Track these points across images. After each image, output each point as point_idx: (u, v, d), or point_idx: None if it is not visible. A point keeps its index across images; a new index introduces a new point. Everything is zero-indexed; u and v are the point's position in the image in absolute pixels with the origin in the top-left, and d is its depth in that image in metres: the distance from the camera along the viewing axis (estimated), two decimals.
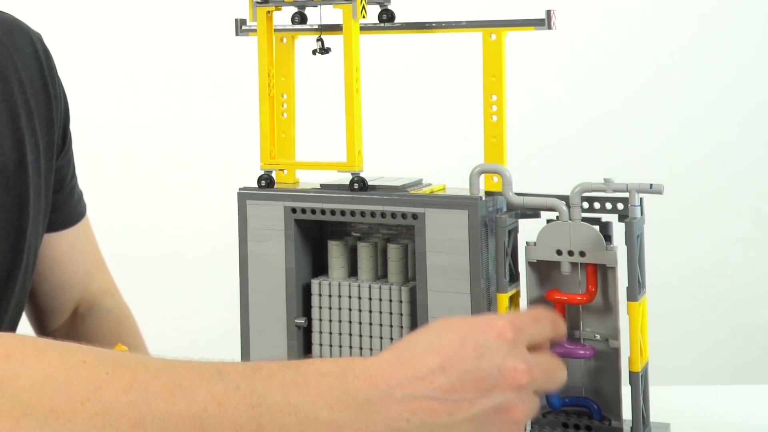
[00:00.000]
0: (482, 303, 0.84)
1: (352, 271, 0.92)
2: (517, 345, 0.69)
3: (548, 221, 0.85)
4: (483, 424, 0.66)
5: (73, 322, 1.17)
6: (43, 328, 1.18)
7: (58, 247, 1.15)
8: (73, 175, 1.16)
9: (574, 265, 0.85)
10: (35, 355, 0.62)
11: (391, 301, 0.88)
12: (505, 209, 0.87)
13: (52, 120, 1.08)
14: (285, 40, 0.94)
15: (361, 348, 0.89)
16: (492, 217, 0.85)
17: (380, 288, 0.89)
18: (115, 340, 1.10)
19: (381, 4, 0.90)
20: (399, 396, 0.65)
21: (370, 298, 0.89)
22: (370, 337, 0.89)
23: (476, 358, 0.67)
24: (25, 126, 1.03)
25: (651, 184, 0.82)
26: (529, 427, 0.85)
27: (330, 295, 0.91)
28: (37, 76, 1.07)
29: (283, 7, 0.91)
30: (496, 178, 0.87)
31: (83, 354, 0.63)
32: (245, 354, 0.93)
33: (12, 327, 1.06)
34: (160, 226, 2.42)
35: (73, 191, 1.16)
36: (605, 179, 0.83)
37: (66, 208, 1.15)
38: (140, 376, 0.63)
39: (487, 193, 0.87)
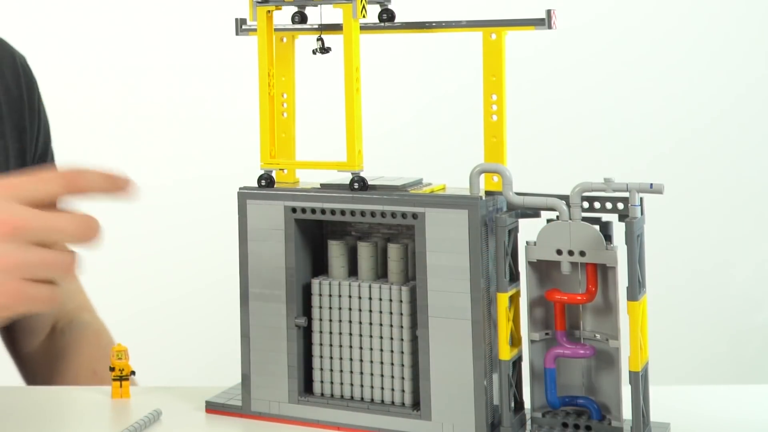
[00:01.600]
0: (482, 302, 0.84)
1: (352, 271, 0.92)
2: (7, 200, 0.73)
3: (548, 221, 0.85)
4: None
5: (53, 338, 1.18)
6: (17, 349, 1.19)
7: None
8: None
9: (574, 264, 0.85)
10: None
11: (391, 300, 0.88)
12: (505, 209, 0.87)
13: (24, 129, 1.09)
14: (285, 39, 0.94)
15: (361, 348, 0.90)
16: (492, 216, 0.85)
17: (380, 288, 0.89)
18: (95, 352, 1.10)
19: (381, 4, 0.90)
20: None
21: (370, 298, 0.89)
22: (371, 336, 0.89)
23: None
24: None
25: (651, 184, 0.82)
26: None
27: (330, 295, 0.91)
28: (14, 85, 1.09)
29: (283, 7, 0.91)
30: (496, 178, 0.87)
31: None
32: (245, 354, 0.93)
33: None
34: (159, 226, 2.42)
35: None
36: (605, 179, 0.83)
37: None
38: None
39: (487, 193, 0.87)
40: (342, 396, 0.91)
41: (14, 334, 1.18)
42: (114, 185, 0.78)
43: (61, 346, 1.15)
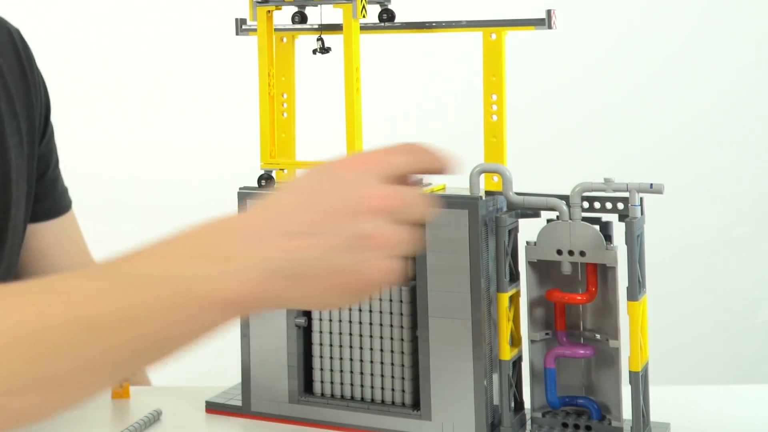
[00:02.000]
0: (482, 302, 0.84)
1: None
2: (370, 175, 0.71)
3: (548, 221, 0.85)
4: (348, 252, 0.68)
5: None
6: None
7: (44, 238, 1.16)
8: (56, 166, 1.17)
9: (574, 264, 0.85)
10: None
11: (391, 301, 0.88)
12: (505, 209, 0.87)
13: (32, 105, 1.09)
14: (285, 39, 0.94)
15: (361, 348, 0.90)
16: (492, 216, 0.85)
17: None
18: None
19: (381, 4, 0.90)
20: (264, 238, 0.67)
21: (370, 298, 0.89)
22: (371, 336, 0.89)
23: (331, 192, 0.70)
24: (5, 110, 1.05)
25: (651, 184, 0.82)
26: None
27: None
28: (15, 63, 1.09)
29: (283, 7, 0.91)
30: (496, 178, 0.87)
31: None
32: (245, 354, 0.93)
33: None
34: (159, 226, 2.42)
35: (56, 182, 1.17)
36: (605, 179, 0.83)
37: (50, 197, 1.15)
38: (20, 296, 0.64)
39: (487, 193, 0.87)
40: (342, 396, 0.91)
41: None
42: (444, 165, 0.76)
43: None
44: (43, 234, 1.15)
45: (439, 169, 0.76)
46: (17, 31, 1.12)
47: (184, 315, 0.65)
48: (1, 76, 1.06)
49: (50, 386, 0.63)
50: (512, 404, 0.86)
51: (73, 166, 1.28)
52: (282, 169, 0.94)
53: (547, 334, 0.87)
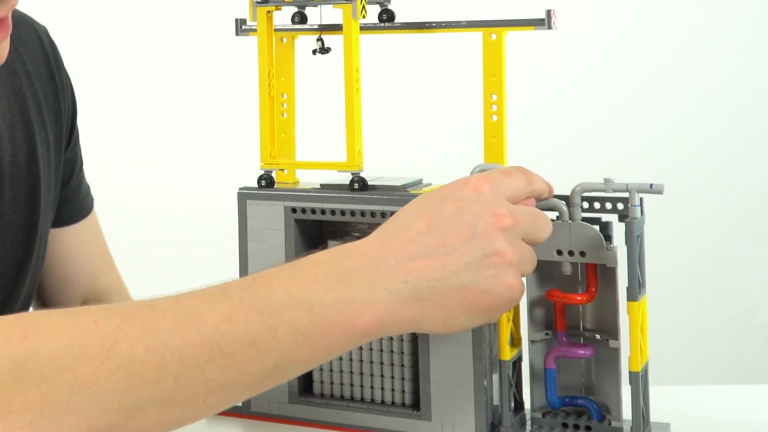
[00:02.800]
0: None
1: None
2: (494, 194, 0.72)
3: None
4: (477, 270, 0.69)
5: None
6: None
7: (66, 241, 1.15)
8: (80, 169, 1.16)
9: (574, 264, 0.85)
10: (49, 330, 0.62)
11: None
12: None
13: (60, 112, 1.08)
14: (285, 39, 0.94)
15: (361, 348, 0.90)
16: None
17: None
18: None
19: (381, 4, 0.90)
20: (393, 262, 0.68)
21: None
22: None
23: (458, 211, 0.70)
24: (35, 118, 1.04)
25: (651, 184, 0.82)
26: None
27: None
28: (44, 68, 1.07)
29: (283, 7, 0.91)
30: None
31: (92, 315, 0.64)
32: None
33: None
34: (159, 226, 2.42)
35: (80, 185, 1.16)
36: (605, 179, 0.83)
37: (73, 202, 1.15)
38: (149, 319, 0.64)
39: None
40: (342, 396, 0.91)
41: (45, 308, 1.18)
42: (549, 190, 0.78)
43: None
44: (65, 237, 1.15)
45: (546, 193, 0.77)
46: (45, 32, 1.11)
47: (318, 340, 0.66)
48: (30, 84, 1.05)
49: (175, 404, 0.63)
50: (512, 404, 0.86)
51: None
52: (282, 170, 0.94)
53: (547, 334, 0.87)
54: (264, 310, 0.65)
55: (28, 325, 0.62)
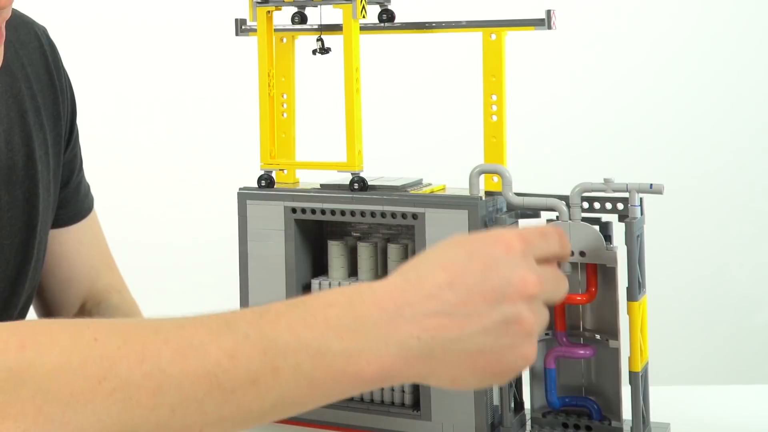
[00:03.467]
0: None
1: (352, 271, 0.92)
2: (525, 257, 0.68)
3: (548, 221, 0.85)
4: (495, 337, 0.66)
5: (81, 317, 1.17)
6: None
7: (65, 242, 1.15)
8: (80, 170, 1.16)
9: (574, 265, 0.85)
10: (49, 342, 0.62)
11: None
12: (505, 209, 0.87)
13: (59, 115, 1.08)
14: (285, 40, 0.94)
15: None
16: (492, 217, 0.85)
17: None
18: None
19: (381, 4, 0.90)
20: (408, 315, 0.65)
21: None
22: None
23: (485, 271, 0.66)
24: (32, 121, 1.03)
25: (651, 184, 0.82)
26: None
27: None
28: (43, 71, 1.07)
29: (283, 7, 0.91)
30: (496, 178, 0.87)
31: (93, 331, 0.63)
32: None
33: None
34: (159, 226, 2.42)
35: (80, 186, 1.16)
36: (605, 179, 0.83)
37: (73, 203, 1.14)
38: (151, 344, 0.63)
39: (487, 193, 0.87)
40: None
41: (46, 309, 1.18)
42: (567, 249, 0.75)
43: None
44: (65, 238, 1.14)
45: (564, 254, 0.74)
46: (44, 32, 1.10)
47: (321, 386, 0.64)
48: (29, 87, 1.04)
49: None
50: (512, 404, 0.86)
51: None
52: (282, 169, 0.94)
53: (547, 334, 0.87)
54: (268, 350, 0.63)
55: (27, 334, 0.62)
